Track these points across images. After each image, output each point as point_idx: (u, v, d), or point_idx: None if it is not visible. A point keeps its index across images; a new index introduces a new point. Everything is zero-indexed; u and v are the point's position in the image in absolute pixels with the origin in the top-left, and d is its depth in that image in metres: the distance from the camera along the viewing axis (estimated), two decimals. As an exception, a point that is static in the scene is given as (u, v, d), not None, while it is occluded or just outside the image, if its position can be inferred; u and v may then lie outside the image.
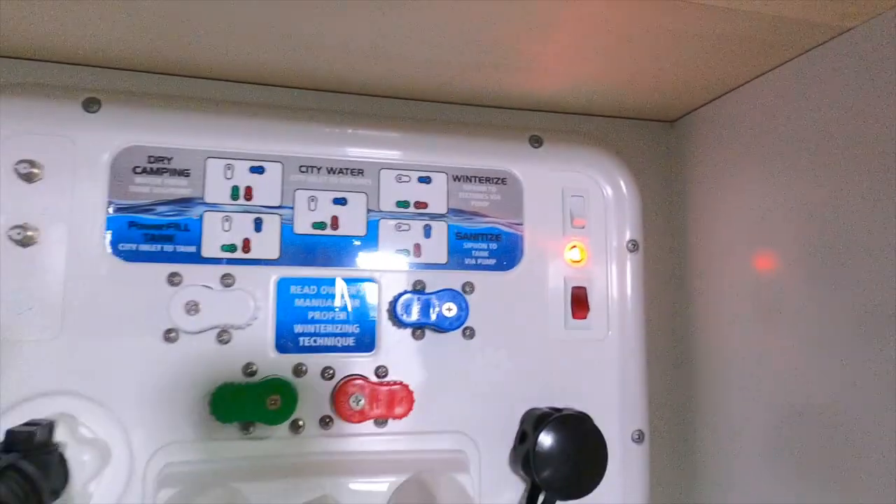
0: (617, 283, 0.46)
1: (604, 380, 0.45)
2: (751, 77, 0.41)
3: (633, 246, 0.47)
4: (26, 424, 0.33)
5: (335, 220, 0.42)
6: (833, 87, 0.35)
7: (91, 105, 0.39)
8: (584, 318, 0.45)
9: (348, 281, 0.42)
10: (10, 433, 0.31)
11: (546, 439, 0.40)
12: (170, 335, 0.38)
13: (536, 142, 0.46)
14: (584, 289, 0.45)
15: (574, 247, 0.46)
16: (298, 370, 0.40)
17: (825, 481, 0.36)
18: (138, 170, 0.39)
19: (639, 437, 0.45)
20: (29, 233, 0.37)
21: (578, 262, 0.46)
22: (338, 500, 0.36)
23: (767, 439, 0.40)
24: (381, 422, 0.41)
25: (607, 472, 0.42)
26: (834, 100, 0.35)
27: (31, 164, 0.37)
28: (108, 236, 0.38)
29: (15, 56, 0.38)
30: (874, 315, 0.33)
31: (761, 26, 0.33)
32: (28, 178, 0.38)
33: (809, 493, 0.37)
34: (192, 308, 0.38)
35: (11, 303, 0.37)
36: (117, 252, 0.38)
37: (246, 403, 0.38)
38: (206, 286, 0.39)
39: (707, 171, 0.46)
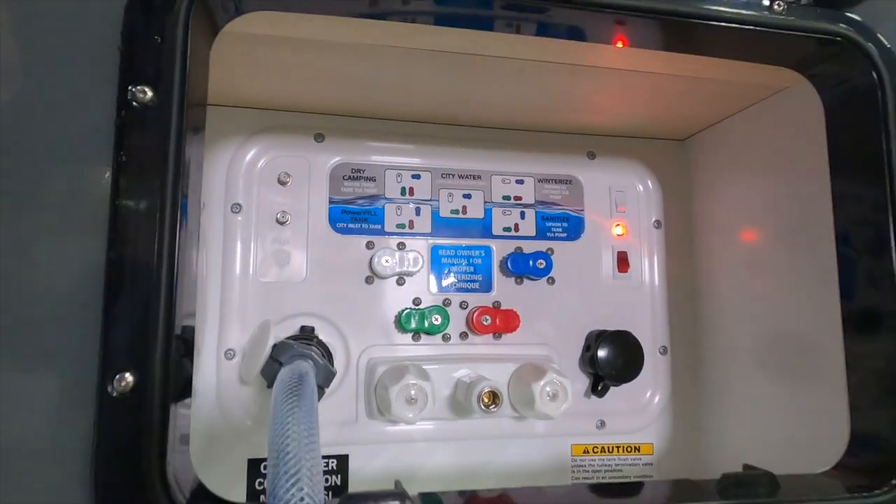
0: (647, 249, 0.69)
1: (639, 313, 0.68)
2: (725, 116, 0.64)
3: (658, 224, 0.70)
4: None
5: (464, 208, 0.65)
6: (783, 122, 0.57)
7: (318, 137, 0.63)
8: (626, 272, 0.68)
9: (474, 247, 0.65)
10: (303, 327, 0.55)
11: (604, 344, 0.63)
12: (369, 280, 0.62)
13: (591, 156, 0.69)
14: (625, 253, 0.68)
15: (618, 224, 0.69)
16: (445, 302, 0.63)
17: (793, 382, 0.57)
18: (346, 177, 0.63)
19: (663, 351, 0.68)
20: (285, 216, 0.61)
21: (621, 235, 0.69)
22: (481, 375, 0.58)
23: (753, 354, 0.61)
24: (497, 335, 0.63)
25: (642, 375, 0.65)
26: (785, 130, 0.57)
27: (286, 174, 0.61)
28: (329, 218, 0.62)
29: (273, 109, 0.62)
30: (826, 270, 0.51)
31: (722, 88, 0.55)
32: (283, 183, 0.61)
33: (782, 391, 0.57)
34: (382, 264, 0.61)
35: (277, 258, 0.60)
36: (335, 228, 0.62)
37: (418, 321, 0.61)
38: (389, 247, 0.62)
39: (706, 173, 0.69)
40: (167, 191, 0.32)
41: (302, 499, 0.28)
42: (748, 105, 0.61)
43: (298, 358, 0.45)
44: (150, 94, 0.33)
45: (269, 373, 0.46)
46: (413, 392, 0.53)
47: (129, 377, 0.31)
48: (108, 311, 0.31)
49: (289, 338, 0.53)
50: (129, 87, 0.33)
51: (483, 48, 0.49)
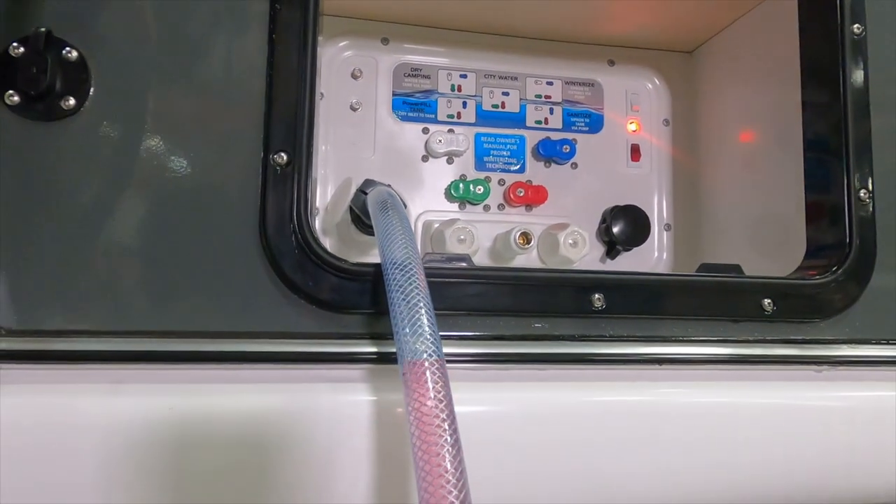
0: (656, 143, 0.81)
1: (648, 195, 0.80)
2: (724, 25, 0.75)
3: (666, 123, 0.82)
4: (372, 188, 0.71)
5: (503, 103, 0.78)
6: (772, 31, 0.68)
7: (384, 41, 0.76)
8: (638, 161, 0.81)
9: (510, 136, 0.78)
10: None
11: (618, 217, 0.76)
12: (424, 158, 0.76)
13: (611, 63, 0.81)
14: (638, 145, 0.81)
15: (632, 122, 0.81)
16: (486, 179, 0.77)
17: (774, 255, 0.70)
18: (406, 74, 0.76)
19: (667, 227, 0.81)
20: (358, 104, 0.75)
21: (635, 131, 0.81)
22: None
23: (747, 232, 0.74)
24: (529, 206, 0.77)
25: (649, 246, 0.78)
26: (774, 39, 0.68)
27: (359, 70, 0.75)
28: (392, 107, 0.76)
29: (348, 17, 0.75)
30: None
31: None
32: (356, 77, 0.75)
33: (763, 260, 0.69)
34: (436, 144, 0.75)
35: (350, 142, 0.74)
36: (397, 116, 0.76)
37: (464, 190, 0.75)
38: (441, 132, 0.75)
39: (710, 81, 0.81)
40: (309, 31, 0.46)
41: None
42: (742, 13, 0.73)
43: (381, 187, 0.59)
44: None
45: (357, 202, 0.61)
46: (463, 235, 0.67)
47: (284, 156, 0.45)
48: (269, 112, 0.46)
49: (367, 188, 0.67)
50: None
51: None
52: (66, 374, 0.42)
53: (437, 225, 0.72)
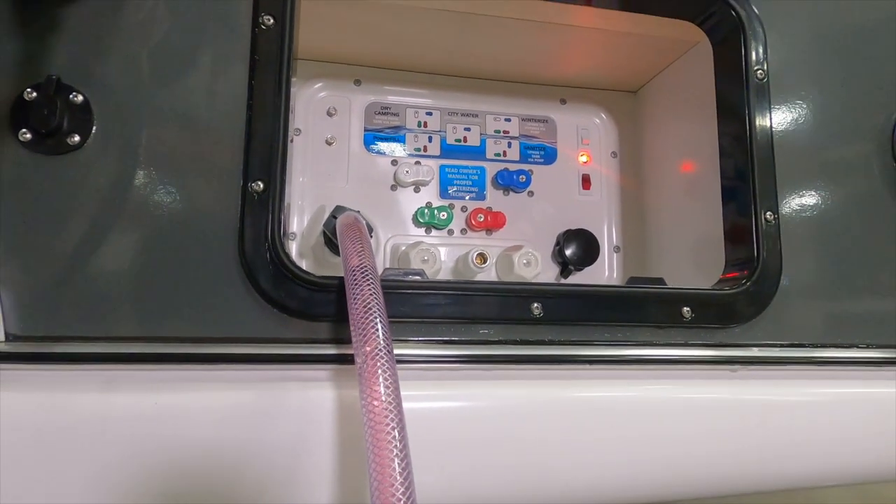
0: (605, 173, 0.90)
1: (598, 219, 0.88)
2: (661, 69, 0.85)
3: (614, 155, 0.90)
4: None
5: (465, 138, 0.86)
6: (700, 74, 0.77)
7: (357, 82, 0.84)
8: (589, 189, 0.88)
9: (472, 167, 0.86)
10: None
11: (570, 240, 0.84)
12: (393, 187, 0.83)
13: (563, 102, 0.90)
14: (588, 175, 0.89)
15: (583, 154, 0.89)
16: (450, 206, 0.84)
17: (710, 271, 0.77)
18: (376, 112, 0.84)
19: (617, 249, 0.88)
20: (333, 139, 0.82)
21: (586, 162, 0.89)
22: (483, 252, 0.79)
23: (689, 253, 0.81)
24: (490, 231, 0.84)
25: (600, 266, 0.85)
26: (702, 80, 0.77)
27: (333, 108, 0.83)
28: (364, 142, 0.83)
29: (323, 61, 0.83)
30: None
31: (652, 43, 0.76)
32: (331, 115, 0.83)
33: (701, 275, 0.76)
34: (404, 174, 0.82)
35: (326, 173, 0.81)
36: (368, 150, 0.83)
37: (430, 216, 0.82)
38: (409, 164, 0.83)
39: (652, 117, 0.89)
40: (283, 77, 0.54)
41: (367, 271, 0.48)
42: (674, 59, 0.82)
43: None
44: (272, 21, 0.54)
45: (329, 225, 0.67)
46: (426, 256, 0.73)
47: (260, 184, 0.52)
48: (248, 146, 0.53)
49: (338, 214, 0.74)
50: (260, 16, 0.54)
51: (481, 9, 0.70)
52: (64, 375, 0.48)
53: (403, 247, 0.79)
